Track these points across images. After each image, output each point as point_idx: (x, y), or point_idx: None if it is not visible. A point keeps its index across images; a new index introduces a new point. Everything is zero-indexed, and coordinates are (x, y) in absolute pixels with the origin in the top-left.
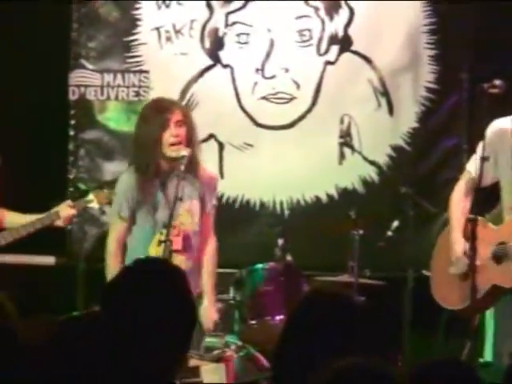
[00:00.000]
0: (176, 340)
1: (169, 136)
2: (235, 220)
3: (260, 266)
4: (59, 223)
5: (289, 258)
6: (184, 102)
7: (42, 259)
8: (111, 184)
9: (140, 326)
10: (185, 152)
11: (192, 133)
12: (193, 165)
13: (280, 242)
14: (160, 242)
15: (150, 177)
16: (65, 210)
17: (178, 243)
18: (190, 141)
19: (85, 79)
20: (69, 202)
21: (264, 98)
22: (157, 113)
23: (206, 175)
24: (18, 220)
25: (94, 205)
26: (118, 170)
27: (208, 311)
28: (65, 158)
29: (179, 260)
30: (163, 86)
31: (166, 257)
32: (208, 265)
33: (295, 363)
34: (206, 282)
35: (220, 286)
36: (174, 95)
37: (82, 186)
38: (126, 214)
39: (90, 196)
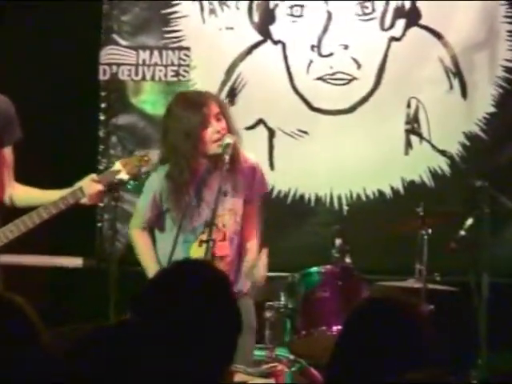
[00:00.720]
0: (219, 351)
1: (212, 133)
2: (287, 218)
3: (315, 269)
4: (85, 201)
5: (347, 260)
6: (229, 84)
7: (68, 261)
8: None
9: (178, 335)
10: (229, 139)
11: (231, 123)
12: (234, 157)
13: (338, 242)
14: (202, 241)
15: (185, 180)
16: (89, 186)
17: (224, 248)
18: (231, 132)
19: (117, 57)
20: (93, 175)
21: (320, 78)
22: (192, 110)
23: (248, 166)
24: (35, 195)
25: (123, 176)
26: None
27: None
28: (95, 147)
29: (222, 265)
30: (206, 64)
31: (207, 258)
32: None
33: (351, 379)
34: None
35: (269, 293)
36: (218, 75)
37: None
38: (149, 216)
39: (117, 165)
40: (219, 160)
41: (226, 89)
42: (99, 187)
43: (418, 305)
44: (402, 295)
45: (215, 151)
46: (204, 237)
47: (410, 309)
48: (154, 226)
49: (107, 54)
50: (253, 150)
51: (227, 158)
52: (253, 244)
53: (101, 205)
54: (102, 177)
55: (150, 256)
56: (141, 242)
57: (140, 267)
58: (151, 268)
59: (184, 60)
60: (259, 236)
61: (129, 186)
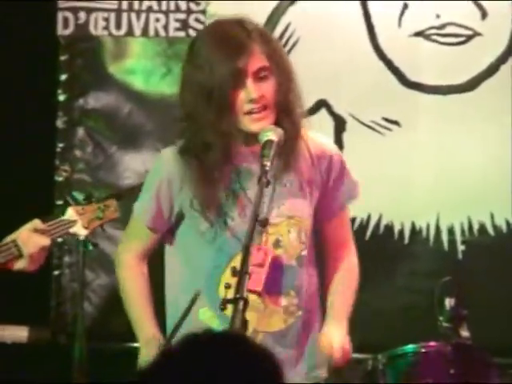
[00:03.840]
0: None
1: (244, 99)
2: (365, 262)
3: (411, 348)
4: (22, 264)
5: (464, 333)
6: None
7: (5, 332)
8: (130, 192)
9: None
10: (271, 133)
11: (287, 87)
12: (293, 145)
13: (449, 303)
14: (224, 302)
15: (212, 165)
16: (28, 239)
17: (257, 281)
18: (284, 103)
19: None
20: (36, 222)
21: (421, 34)
22: (221, 55)
23: (319, 154)
24: None
25: (79, 230)
26: (148, 167)
27: (334, 336)
28: (50, 144)
29: (263, 315)
30: (233, 10)
31: (236, 312)
32: (340, 282)
33: None
34: (332, 302)
35: (340, 381)
36: None
37: (78, 196)
38: (155, 224)
39: (70, 213)
40: (258, 150)
41: None
42: (44, 241)
43: None
44: None
45: (249, 128)
46: (237, 265)
47: None
48: (163, 240)
49: None
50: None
51: (267, 164)
52: (347, 263)
53: (59, 240)
54: (49, 226)
55: (146, 307)
56: (133, 279)
57: (124, 343)
58: (146, 329)
59: (197, 3)
60: (355, 256)
61: (89, 248)
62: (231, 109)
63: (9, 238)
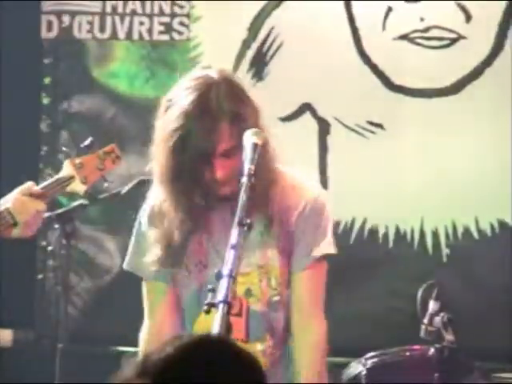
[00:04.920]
0: None
1: (210, 176)
2: (349, 267)
3: (395, 351)
4: (18, 232)
5: (449, 337)
6: (255, 46)
7: None
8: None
9: None
10: (255, 138)
11: (262, 160)
12: (265, 173)
13: (433, 306)
14: (209, 305)
15: (189, 208)
16: (22, 205)
17: (240, 330)
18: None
19: (70, 0)
20: (29, 185)
21: (405, 37)
22: (192, 134)
23: (296, 198)
24: None
25: (77, 186)
26: (133, 171)
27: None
28: (34, 148)
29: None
30: (216, 13)
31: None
32: (308, 351)
33: None
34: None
35: None
36: (237, 31)
37: (62, 200)
38: (165, 274)
39: (67, 168)
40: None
41: (250, 54)
42: (39, 206)
43: None
44: None
45: (217, 193)
46: (213, 299)
47: None
48: None
49: None
50: (294, 152)
51: (252, 167)
52: (314, 334)
53: (43, 244)
54: (43, 188)
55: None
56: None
57: (109, 346)
58: None
59: (181, 6)
60: (324, 326)
61: (84, 202)
62: (200, 179)
63: (2, 206)
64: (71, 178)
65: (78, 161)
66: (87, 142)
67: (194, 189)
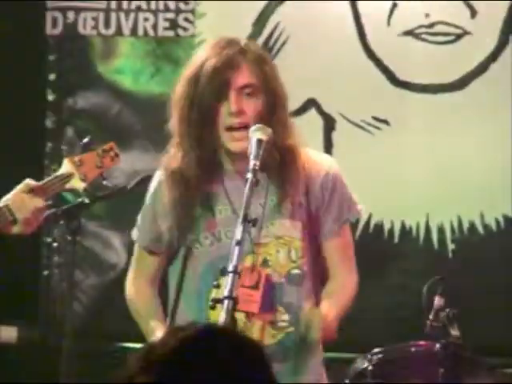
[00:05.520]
0: None
1: (225, 110)
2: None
3: (400, 347)
4: (18, 229)
5: (454, 332)
6: (260, 41)
7: None
8: (119, 192)
9: None
10: (260, 133)
11: (275, 110)
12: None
13: (438, 301)
14: (214, 301)
15: (196, 185)
16: (22, 202)
17: (254, 303)
18: (270, 125)
19: None
20: (28, 182)
21: (410, 33)
22: (210, 67)
23: (316, 172)
24: None
25: (77, 183)
26: (138, 167)
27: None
28: (39, 144)
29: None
30: (222, 9)
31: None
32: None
33: None
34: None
35: (332, 381)
36: (242, 27)
37: (67, 196)
38: (155, 247)
39: (66, 165)
40: (243, 166)
41: None
42: (38, 203)
43: None
44: None
45: (228, 147)
46: (218, 293)
47: None
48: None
49: None
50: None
51: (256, 163)
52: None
53: (48, 240)
54: (42, 185)
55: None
56: (145, 302)
57: (114, 343)
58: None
59: (186, 2)
60: (356, 281)
61: (85, 201)
62: (213, 121)
63: (2, 203)
64: (70, 176)
65: (77, 158)
66: (86, 140)
67: (208, 134)
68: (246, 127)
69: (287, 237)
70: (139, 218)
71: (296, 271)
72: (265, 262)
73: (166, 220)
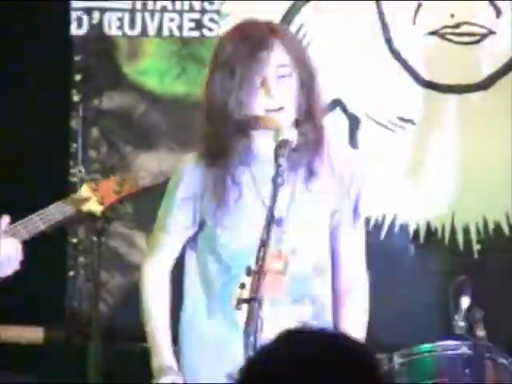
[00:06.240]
0: None
1: (263, 93)
2: (379, 262)
3: (427, 347)
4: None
5: (480, 333)
6: None
7: (18, 332)
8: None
9: None
10: (286, 133)
11: (309, 89)
12: (313, 151)
13: (464, 302)
14: (240, 301)
15: (229, 167)
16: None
17: (279, 288)
18: (305, 105)
19: None
20: (36, 218)
21: (435, 33)
22: (244, 48)
23: (341, 163)
24: None
25: (92, 207)
26: (163, 168)
27: None
28: (64, 145)
29: None
30: (246, 9)
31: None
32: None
33: None
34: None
35: None
36: None
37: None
38: (177, 231)
39: (83, 189)
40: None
41: None
42: (11, 245)
43: None
44: None
45: (266, 124)
46: (244, 293)
47: None
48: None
49: None
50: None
51: (282, 163)
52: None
53: (73, 241)
54: (15, 226)
55: (166, 332)
56: (156, 295)
57: (140, 343)
58: (164, 357)
59: (211, 3)
60: (367, 282)
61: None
62: (249, 107)
63: None
64: (87, 199)
65: (93, 184)
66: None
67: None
68: (282, 108)
69: (315, 226)
70: (166, 199)
71: (321, 263)
72: (293, 252)
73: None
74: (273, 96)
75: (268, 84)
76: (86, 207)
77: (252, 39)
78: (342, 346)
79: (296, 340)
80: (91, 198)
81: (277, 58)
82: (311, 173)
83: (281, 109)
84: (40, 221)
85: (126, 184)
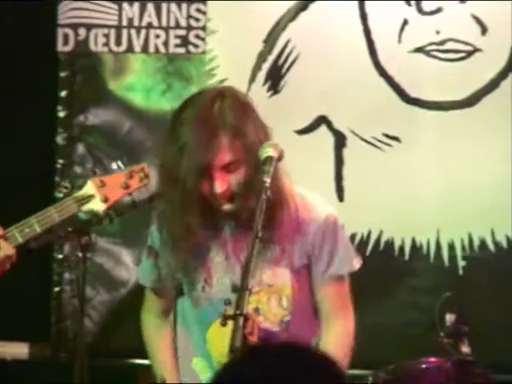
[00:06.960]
0: None
1: (210, 190)
2: (365, 279)
3: (411, 363)
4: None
5: (465, 349)
6: (271, 58)
7: (5, 347)
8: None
9: None
10: (271, 150)
11: (254, 177)
12: (277, 191)
13: (449, 318)
14: (225, 318)
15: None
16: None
17: None
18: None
19: (87, 13)
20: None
21: (421, 50)
22: (192, 147)
23: (308, 215)
24: None
25: (94, 206)
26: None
27: None
28: (50, 161)
29: None
30: (232, 26)
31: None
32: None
33: None
34: None
35: None
36: (253, 44)
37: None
38: (158, 288)
39: (87, 186)
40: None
41: (266, 66)
42: (7, 250)
43: None
44: None
45: (226, 208)
46: (229, 310)
47: None
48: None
49: (70, 8)
50: (310, 165)
51: (267, 180)
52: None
53: (59, 257)
54: (8, 232)
55: (174, 371)
56: (156, 340)
57: (125, 359)
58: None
59: (197, 19)
60: (348, 322)
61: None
62: (198, 196)
63: None
64: (90, 197)
65: (99, 179)
66: (115, 167)
67: (195, 204)
68: (231, 199)
69: (278, 284)
70: (143, 258)
71: (287, 318)
72: (256, 311)
73: (165, 262)
74: (218, 194)
75: (214, 182)
76: (86, 207)
77: (202, 137)
78: (305, 360)
79: (261, 358)
80: (94, 196)
81: (223, 158)
82: (269, 236)
83: (229, 201)
84: (37, 223)
85: (135, 177)
